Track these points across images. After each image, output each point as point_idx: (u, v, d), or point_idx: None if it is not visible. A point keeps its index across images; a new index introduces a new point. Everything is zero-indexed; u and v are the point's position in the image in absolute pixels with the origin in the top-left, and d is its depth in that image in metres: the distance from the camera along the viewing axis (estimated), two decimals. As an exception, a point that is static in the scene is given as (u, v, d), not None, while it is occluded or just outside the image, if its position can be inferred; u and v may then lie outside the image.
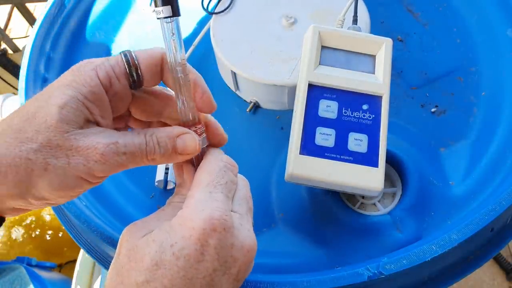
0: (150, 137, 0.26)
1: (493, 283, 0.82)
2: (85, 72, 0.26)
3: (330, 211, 0.42)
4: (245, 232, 0.26)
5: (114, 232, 0.41)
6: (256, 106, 0.51)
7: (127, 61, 0.27)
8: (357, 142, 0.37)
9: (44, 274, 0.81)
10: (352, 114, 0.38)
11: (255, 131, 0.50)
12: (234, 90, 0.52)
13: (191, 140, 0.27)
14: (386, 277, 0.33)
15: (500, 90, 0.48)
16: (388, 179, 0.44)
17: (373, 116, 0.38)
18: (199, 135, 0.29)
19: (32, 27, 0.57)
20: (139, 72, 0.28)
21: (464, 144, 0.45)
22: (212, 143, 0.31)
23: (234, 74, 0.49)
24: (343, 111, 0.38)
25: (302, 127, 0.37)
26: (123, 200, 0.47)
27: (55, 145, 0.24)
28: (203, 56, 0.56)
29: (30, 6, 1.14)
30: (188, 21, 0.59)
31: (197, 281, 0.24)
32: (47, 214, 1.07)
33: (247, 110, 0.50)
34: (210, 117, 0.31)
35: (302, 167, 0.36)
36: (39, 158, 0.24)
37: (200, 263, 0.24)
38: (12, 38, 1.33)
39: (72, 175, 0.24)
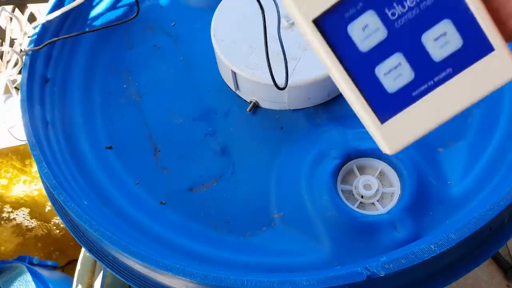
0: None
1: (492, 281, 0.82)
2: None
3: (329, 210, 0.42)
4: None
5: (115, 231, 0.41)
6: (256, 106, 0.51)
7: None
8: (441, 39, 0.23)
9: (45, 273, 0.82)
10: (404, 8, 0.22)
11: (255, 131, 0.50)
12: (234, 90, 0.52)
13: None
14: (385, 276, 0.33)
15: (499, 90, 0.48)
16: (387, 179, 0.44)
17: None
18: None
19: (33, 27, 0.58)
20: None
21: (463, 144, 0.45)
22: None
23: (234, 74, 0.49)
24: (390, 14, 0.23)
25: (356, 87, 0.24)
26: (124, 200, 0.47)
27: None
28: (203, 56, 0.57)
29: (31, 7, 1.15)
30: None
31: None
32: (49, 212, 1.08)
33: (247, 110, 0.51)
34: None
35: (399, 136, 0.24)
36: None
37: None
38: (13, 39, 1.34)
39: None
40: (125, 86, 0.57)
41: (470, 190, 0.42)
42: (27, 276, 0.75)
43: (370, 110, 0.24)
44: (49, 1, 0.60)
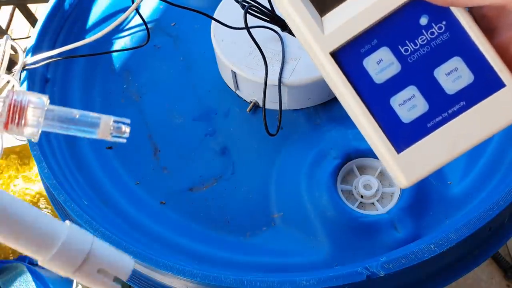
0: None
1: (491, 281, 0.82)
2: None
3: (329, 210, 0.42)
4: None
5: (116, 231, 0.41)
6: (256, 106, 0.51)
7: None
8: (453, 74, 0.24)
9: (46, 273, 0.82)
10: (416, 45, 0.24)
11: (255, 131, 0.50)
12: (234, 90, 0.52)
13: None
14: (385, 276, 0.33)
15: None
16: (386, 179, 0.44)
17: (444, 23, 0.24)
18: None
19: (34, 27, 0.58)
20: None
21: (463, 144, 0.45)
22: None
23: (234, 74, 0.49)
24: (403, 50, 0.24)
25: (371, 116, 0.24)
26: (125, 200, 0.47)
27: None
28: (203, 56, 0.57)
29: (31, 7, 1.15)
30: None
31: None
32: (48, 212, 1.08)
33: (247, 110, 0.51)
34: None
35: (415, 167, 0.24)
36: None
37: None
38: (14, 39, 1.33)
39: None
40: (125, 86, 0.57)
41: (470, 190, 0.42)
42: (27, 276, 0.75)
43: (386, 139, 0.24)
44: (49, 1, 0.60)
